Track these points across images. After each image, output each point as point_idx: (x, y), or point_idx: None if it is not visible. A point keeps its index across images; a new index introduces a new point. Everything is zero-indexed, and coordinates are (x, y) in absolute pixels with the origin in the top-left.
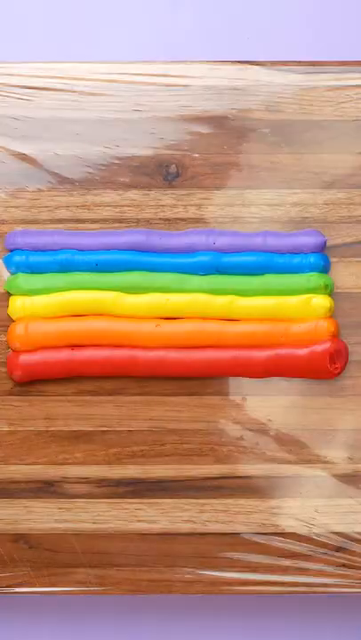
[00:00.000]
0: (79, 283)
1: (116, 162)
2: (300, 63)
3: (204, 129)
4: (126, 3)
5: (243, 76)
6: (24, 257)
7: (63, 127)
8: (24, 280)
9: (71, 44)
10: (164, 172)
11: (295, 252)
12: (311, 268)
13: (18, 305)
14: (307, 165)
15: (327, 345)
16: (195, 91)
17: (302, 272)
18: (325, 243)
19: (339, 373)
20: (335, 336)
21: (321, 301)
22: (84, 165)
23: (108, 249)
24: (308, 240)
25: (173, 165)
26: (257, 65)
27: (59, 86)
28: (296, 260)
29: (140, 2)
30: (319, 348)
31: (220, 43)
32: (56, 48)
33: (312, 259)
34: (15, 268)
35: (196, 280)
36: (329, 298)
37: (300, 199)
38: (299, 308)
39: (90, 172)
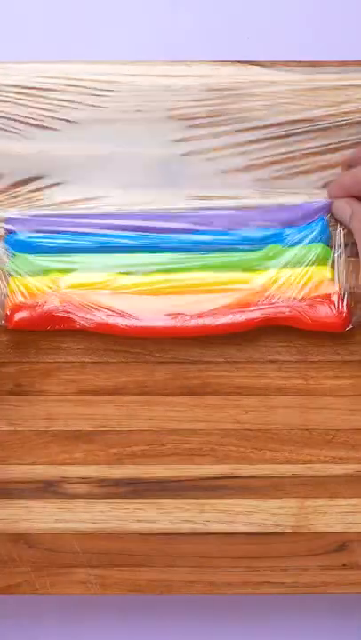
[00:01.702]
0: (81, 264)
1: (117, 162)
2: (300, 63)
3: (203, 129)
4: (126, 3)
5: (243, 76)
6: (25, 238)
7: (63, 127)
8: (25, 262)
9: (71, 44)
10: (163, 173)
11: (293, 224)
12: (312, 239)
13: (18, 287)
14: (307, 165)
15: (331, 293)
16: (195, 91)
17: (303, 244)
18: (330, 205)
19: (347, 323)
20: (338, 291)
21: (322, 271)
22: (84, 165)
23: (109, 230)
24: (308, 208)
25: (174, 165)
26: (257, 65)
27: (59, 86)
28: (294, 231)
29: (140, 2)
30: (325, 298)
31: (220, 43)
32: (56, 48)
33: (311, 228)
34: (16, 250)
35: (199, 258)
36: (329, 268)
37: (300, 199)
38: (300, 278)
39: (90, 172)
